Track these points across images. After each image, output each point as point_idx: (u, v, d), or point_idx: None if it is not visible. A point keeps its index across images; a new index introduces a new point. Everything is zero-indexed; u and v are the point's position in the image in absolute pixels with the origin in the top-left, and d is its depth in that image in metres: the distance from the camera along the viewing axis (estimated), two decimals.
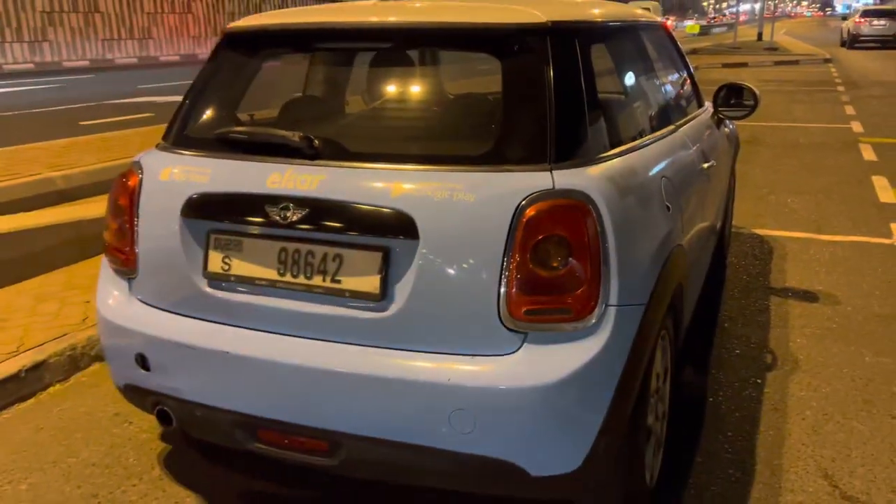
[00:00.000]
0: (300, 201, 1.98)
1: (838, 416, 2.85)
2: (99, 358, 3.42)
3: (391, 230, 1.91)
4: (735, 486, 2.43)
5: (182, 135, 2.34)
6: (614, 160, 2.06)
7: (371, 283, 1.94)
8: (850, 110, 11.75)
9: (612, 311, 1.85)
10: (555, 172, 1.87)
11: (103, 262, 2.44)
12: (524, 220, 1.82)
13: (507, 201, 1.84)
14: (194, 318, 2.16)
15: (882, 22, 28.72)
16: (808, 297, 4.08)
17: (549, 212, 1.82)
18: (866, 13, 29.95)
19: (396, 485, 2.36)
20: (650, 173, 2.24)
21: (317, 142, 2.06)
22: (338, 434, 1.98)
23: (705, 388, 3.08)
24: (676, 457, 2.56)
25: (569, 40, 2.09)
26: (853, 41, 29.23)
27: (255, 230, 2.07)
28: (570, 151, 1.94)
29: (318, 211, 1.97)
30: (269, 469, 2.57)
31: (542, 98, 1.95)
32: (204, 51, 31.77)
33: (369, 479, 2.14)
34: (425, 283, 1.88)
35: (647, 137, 2.42)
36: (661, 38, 3.20)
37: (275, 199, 2.00)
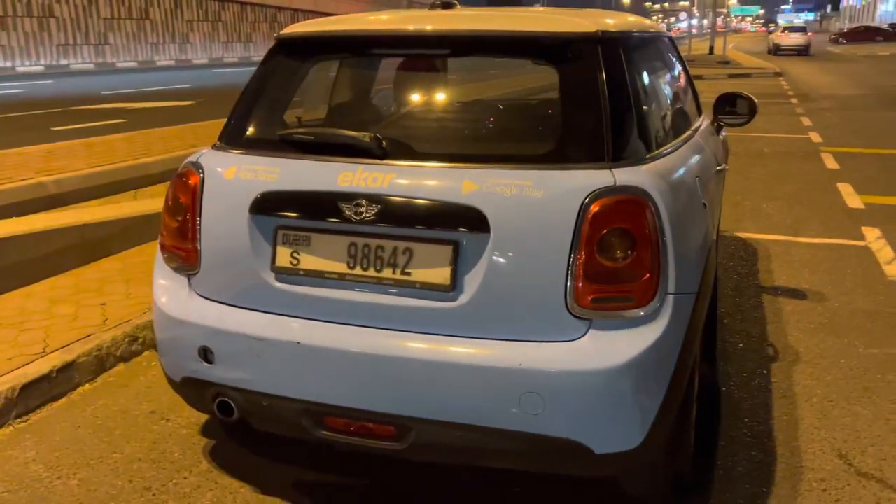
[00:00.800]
0: (372, 198, 2.08)
1: (843, 402, 3.06)
2: (124, 359, 3.47)
3: (462, 225, 2.03)
4: (759, 467, 2.61)
5: (241, 136, 2.43)
6: (661, 160, 2.22)
7: (442, 275, 2.05)
8: (806, 121, 12.25)
9: (670, 298, 2.00)
10: (614, 170, 2.02)
11: (158, 259, 2.50)
12: (589, 214, 1.96)
13: (573, 197, 1.98)
14: (262, 311, 2.24)
15: (796, 35, 39.31)
16: (797, 294, 4.32)
17: (613, 207, 1.97)
18: (785, 29, 41.05)
19: (437, 476, 2.47)
20: (689, 172, 2.41)
21: (385, 142, 2.17)
22: (407, 419, 2.09)
23: (717, 379, 3.26)
24: (702, 441, 2.72)
25: (615, 48, 2.25)
26: (776, 50, 39.02)
27: (325, 226, 2.17)
28: (624, 151, 2.09)
29: (390, 207, 2.07)
30: (316, 459, 2.66)
31: (598, 102, 2.10)
32: (163, 58, 31.48)
33: (436, 461, 2.24)
34: (495, 274, 2.01)
35: (679, 139, 2.59)
36: (672, 48, 3.39)
37: (347, 197, 2.10)
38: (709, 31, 38.59)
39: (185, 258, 2.37)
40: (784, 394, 3.13)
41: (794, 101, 15.64)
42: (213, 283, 2.33)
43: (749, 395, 3.13)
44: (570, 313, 1.98)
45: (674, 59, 3.34)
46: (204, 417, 2.93)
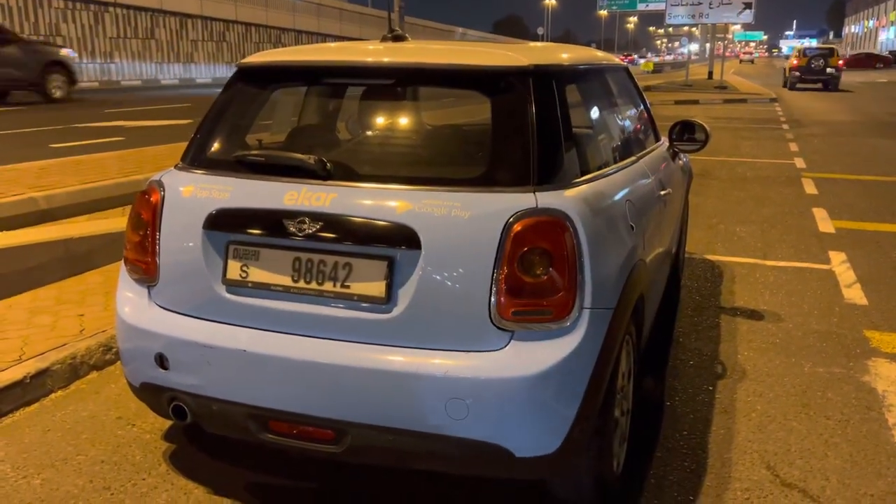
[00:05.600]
0: (315, 216, 2.25)
1: (780, 418, 3.19)
2: (97, 367, 3.61)
3: (396, 242, 2.19)
4: (690, 477, 2.74)
5: (201, 157, 2.60)
6: (586, 185, 2.39)
7: (378, 288, 2.21)
8: (793, 147, 12.43)
9: (586, 313, 2.15)
10: (537, 194, 2.18)
11: (122, 271, 2.65)
12: (512, 234, 2.12)
13: (498, 218, 2.14)
14: (213, 321, 2.40)
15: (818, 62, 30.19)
16: (755, 315, 4.46)
17: (534, 227, 2.13)
18: (802, 54, 31.48)
19: (388, 480, 2.61)
20: (616, 197, 2.57)
21: (328, 164, 2.34)
22: (344, 423, 2.23)
23: (663, 394, 3.40)
24: (638, 452, 2.86)
25: (547, 81, 2.42)
26: (793, 84, 30.55)
27: (272, 241, 2.33)
28: (549, 176, 2.26)
29: (331, 225, 2.24)
30: (270, 464, 2.80)
31: (526, 130, 2.27)
32: (167, 77, 31.88)
33: (371, 464, 2.39)
34: (426, 287, 2.16)
35: (613, 166, 2.76)
36: (622, 79, 3.56)
37: (291, 214, 2.27)
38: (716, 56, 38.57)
39: (145, 270, 2.53)
40: (725, 409, 3.27)
41: (785, 126, 15.84)
42: (170, 294, 2.49)
43: (692, 409, 3.27)
44: (494, 325, 2.13)
45: (624, 89, 3.52)
46: (167, 423, 3.08)
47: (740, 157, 11.18)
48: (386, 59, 2.50)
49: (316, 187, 2.31)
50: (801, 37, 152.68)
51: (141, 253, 2.54)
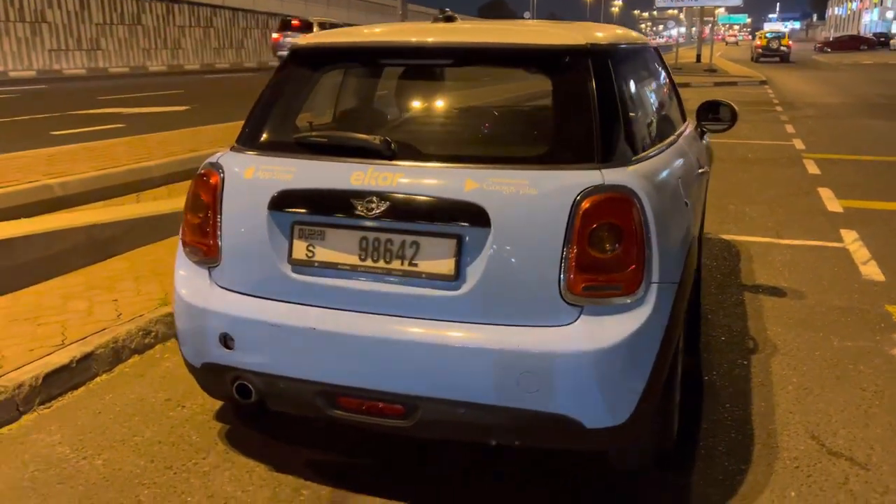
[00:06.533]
0: (382, 195, 2.28)
1: (817, 390, 3.27)
2: (138, 351, 3.64)
3: (464, 220, 2.23)
4: (738, 447, 2.81)
5: (258, 138, 2.62)
6: (646, 162, 2.43)
7: (446, 266, 2.25)
8: (790, 129, 12.54)
9: (654, 287, 2.21)
10: (603, 170, 2.23)
11: (179, 253, 2.67)
12: (581, 210, 2.16)
13: (566, 194, 2.18)
14: (279, 300, 2.43)
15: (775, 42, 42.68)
16: (777, 292, 4.54)
17: (602, 203, 2.17)
18: (763, 37, 43.84)
19: (444, 456, 2.66)
20: (671, 174, 2.62)
21: (393, 144, 2.37)
22: (415, 398, 2.28)
23: (701, 368, 3.47)
24: (685, 423, 2.92)
25: (604, 60, 2.45)
26: (758, 57, 42.21)
27: (339, 221, 2.36)
28: (612, 153, 2.30)
29: (399, 204, 2.27)
30: (327, 441, 2.85)
31: (588, 109, 2.31)
32: (155, 63, 31.56)
33: (440, 438, 2.43)
34: (495, 264, 2.20)
35: (661, 144, 2.80)
36: (655, 58, 3.60)
37: (359, 194, 2.30)
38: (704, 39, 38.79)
39: (206, 252, 2.55)
40: (762, 382, 3.34)
41: (779, 108, 15.97)
42: (233, 274, 2.51)
43: (730, 383, 3.34)
44: (564, 300, 2.18)
45: (659, 69, 3.56)
46: (218, 404, 3.11)
47: (739, 139, 11.25)
48: (446, 40, 2.53)
49: (382, 167, 2.34)
50: (784, 19, 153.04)
51: (201, 235, 2.56)
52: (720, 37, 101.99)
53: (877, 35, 67.34)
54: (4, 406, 2.96)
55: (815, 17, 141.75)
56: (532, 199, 2.19)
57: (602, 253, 2.17)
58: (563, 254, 2.17)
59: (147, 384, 3.36)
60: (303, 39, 2.76)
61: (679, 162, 2.85)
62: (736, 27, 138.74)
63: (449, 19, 2.74)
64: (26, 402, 3.05)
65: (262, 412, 2.60)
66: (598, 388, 2.17)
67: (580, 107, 2.32)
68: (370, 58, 2.77)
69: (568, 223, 2.16)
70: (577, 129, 2.31)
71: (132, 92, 17.70)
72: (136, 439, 2.90)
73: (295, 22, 28.98)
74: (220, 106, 13.76)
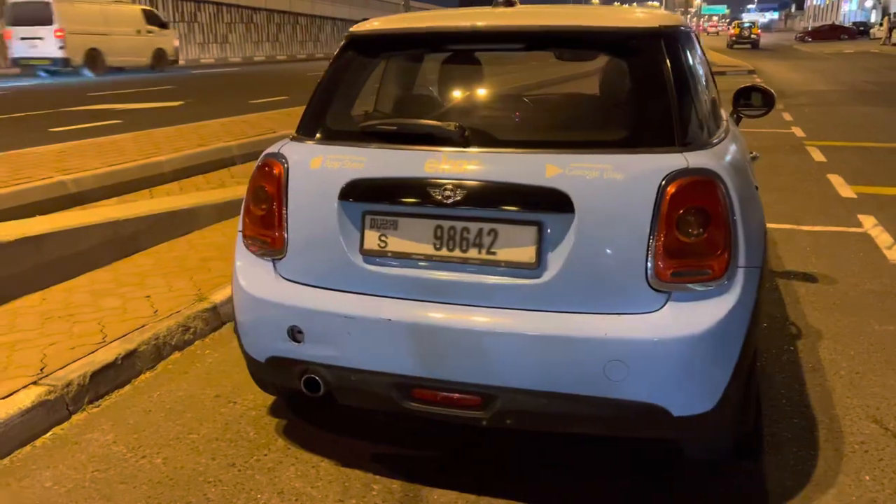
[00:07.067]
0: (459, 183, 2.23)
1: (869, 374, 3.27)
2: (178, 347, 3.57)
3: (546, 206, 2.19)
4: (803, 433, 2.80)
5: (320, 128, 2.56)
6: (718, 145, 2.41)
7: (527, 254, 2.21)
8: (787, 116, 12.59)
9: (740, 271, 2.18)
10: (686, 154, 2.20)
11: (239, 245, 2.61)
12: (667, 194, 2.13)
13: (652, 178, 2.15)
14: (350, 292, 2.38)
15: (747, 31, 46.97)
16: (808, 278, 4.54)
17: (689, 187, 2.14)
18: (738, 26, 48.66)
19: (513, 448, 2.63)
20: (741, 156, 2.59)
21: (467, 131, 2.32)
22: (494, 388, 2.24)
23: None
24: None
25: (674, 42, 2.43)
26: (732, 44, 46.80)
27: (412, 210, 2.31)
28: (690, 136, 2.27)
29: (477, 191, 2.23)
30: (390, 435, 2.80)
31: (666, 91, 2.28)
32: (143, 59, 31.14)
33: (519, 429, 2.40)
34: (579, 251, 2.17)
35: (722, 128, 2.78)
36: (698, 43, 3.58)
37: (434, 182, 2.25)
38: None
39: (271, 244, 2.49)
40: (813, 368, 3.33)
41: None
42: (301, 266, 2.46)
43: (780, 369, 3.33)
44: (651, 287, 2.15)
45: (702, 53, 3.53)
46: (270, 400, 3.06)
47: (740, 127, 11.28)
48: (520, 23, 2.48)
49: (457, 154, 2.29)
50: (763, 10, 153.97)
51: (265, 227, 2.50)
52: (701, 27, 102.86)
53: (856, 24, 67.91)
54: (55, 405, 2.89)
55: (793, 7, 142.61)
56: (617, 184, 2.16)
57: (690, 237, 2.14)
58: (649, 239, 2.13)
59: (193, 381, 3.30)
60: (361, 26, 2.71)
61: (741, 145, 2.83)
62: (715, 18, 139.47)
63: (509, 3, 2.70)
64: (75, 401, 2.98)
65: (320, 407, 2.54)
66: (688, 376, 2.15)
67: (658, 89, 2.29)
68: (435, 44, 2.72)
69: (654, 208, 2.13)
70: (656, 112, 2.28)
71: (121, 88, 17.47)
72: (192, 437, 2.84)
73: None
74: (214, 101, 13.62)
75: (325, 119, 2.58)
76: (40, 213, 5.22)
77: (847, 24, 70.14)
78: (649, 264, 2.14)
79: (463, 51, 2.80)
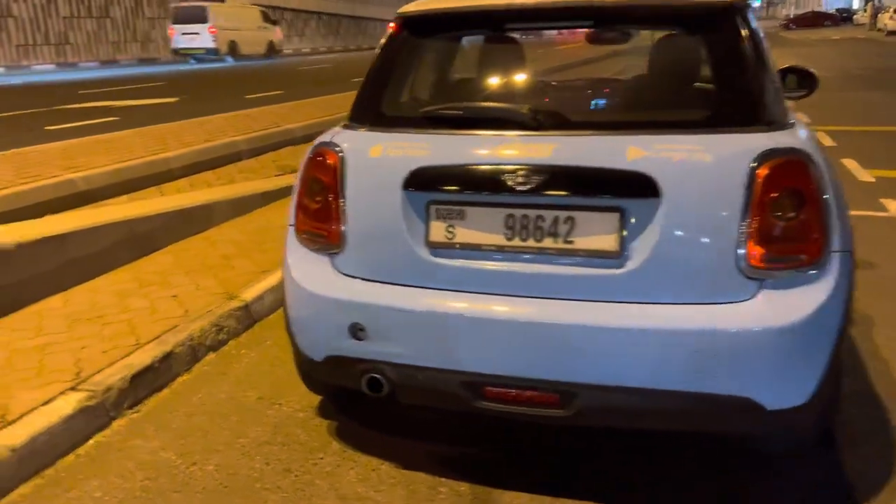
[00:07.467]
0: (534, 169, 2.11)
1: None
2: (213, 348, 3.43)
3: (629, 191, 2.07)
4: (877, 422, 2.71)
5: (376, 114, 2.43)
6: (797, 125, 2.29)
7: (608, 242, 2.09)
8: (789, 102, 12.52)
9: (835, 256, 2.07)
10: (773, 133, 2.09)
11: (292, 241, 2.48)
12: (759, 176, 2.02)
13: (742, 160, 2.03)
14: (416, 286, 2.26)
15: None
16: None
17: (781, 167, 2.03)
18: None
19: (581, 448, 2.52)
20: (816, 136, 2.48)
21: (539, 114, 2.20)
22: (574, 385, 2.12)
23: None
24: None
25: (747, 16, 2.31)
26: None
27: (481, 199, 2.19)
28: (774, 115, 2.17)
29: (554, 177, 2.11)
30: (448, 434, 2.69)
31: (748, 68, 2.17)
32: (125, 56, 30.78)
33: (601, 426, 2.28)
34: (666, 238, 2.05)
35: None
36: None
37: (507, 169, 2.13)
38: None
39: (328, 238, 2.36)
40: (873, 355, 3.24)
41: None
42: (362, 261, 2.33)
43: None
44: (743, 274, 2.03)
45: None
46: (316, 400, 2.93)
47: None
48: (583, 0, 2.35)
49: (531, 138, 2.17)
50: None
51: (321, 220, 2.37)
52: None
53: (839, 11, 68.33)
54: (96, 411, 2.75)
55: None
56: (706, 166, 2.04)
57: (784, 221, 2.03)
58: (741, 224, 2.02)
59: (232, 382, 3.16)
60: (412, 6, 2.57)
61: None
62: None
63: None
64: (116, 406, 2.85)
65: (371, 408, 2.41)
66: (783, 368, 2.04)
67: (740, 66, 2.18)
68: (494, 23, 2.58)
69: (746, 190, 2.02)
70: (739, 90, 2.17)
71: (111, 85, 17.19)
72: (242, 441, 2.71)
73: None
74: (208, 96, 13.39)
75: (382, 105, 2.45)
76: (50, 213, 5.06)
77: (831, 11, 70.55)
78: (741, 251, 2.02)
79: (525, 29, 2.67)
